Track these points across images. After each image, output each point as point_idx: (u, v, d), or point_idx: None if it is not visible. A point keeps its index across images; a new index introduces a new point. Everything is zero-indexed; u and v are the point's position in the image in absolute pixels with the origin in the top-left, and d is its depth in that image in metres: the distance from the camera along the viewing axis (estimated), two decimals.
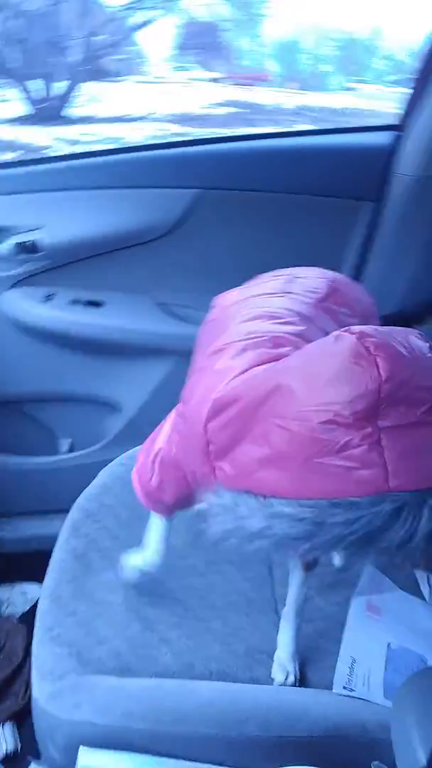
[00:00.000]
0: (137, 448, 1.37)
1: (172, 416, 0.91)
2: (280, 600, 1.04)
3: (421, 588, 1.10)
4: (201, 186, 1.38)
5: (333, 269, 0.98)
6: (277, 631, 0.96)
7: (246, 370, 0.70)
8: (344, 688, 0.90)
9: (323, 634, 0.99)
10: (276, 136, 1.40)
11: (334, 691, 0.88)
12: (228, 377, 0.70)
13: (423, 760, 0.52)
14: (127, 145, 1.49)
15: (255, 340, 0.75)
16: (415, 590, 1.09)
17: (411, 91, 1.25)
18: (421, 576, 1.12)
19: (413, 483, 0.57)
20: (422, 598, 1.07)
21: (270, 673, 0.91)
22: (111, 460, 1.33)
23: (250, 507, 0.62)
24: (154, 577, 1.02)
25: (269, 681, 0.89)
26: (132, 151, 1.46)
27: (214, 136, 1.44)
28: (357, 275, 1.41)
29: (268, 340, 0.75)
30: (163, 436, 0.91)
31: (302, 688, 0.88)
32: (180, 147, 1.43)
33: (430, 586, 1.12)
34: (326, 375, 0.60)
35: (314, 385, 0.61)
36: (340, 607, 1.04)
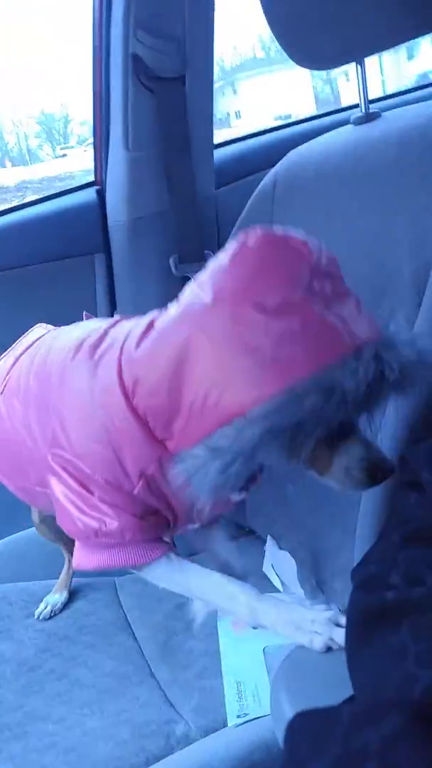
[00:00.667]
0: None
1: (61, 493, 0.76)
2: (152, 660, 1.00)
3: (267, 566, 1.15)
4: None
5: None
6: (160, 694, 0.93)
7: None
8: (238, 716, 0.89)
9: (203, 675, 0.97)
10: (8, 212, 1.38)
11: (229, 725, 0.87)
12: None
13: (289, 714, 0.54)
14: None
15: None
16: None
17: (95, 150, 1.38)
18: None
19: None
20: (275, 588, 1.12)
21: (165, 742, 0.86)
22: None
23: (224, 434, 0.59)
24: (10, 706, 0.91)
25: (165, 752, 0.84)
26: None
27: None
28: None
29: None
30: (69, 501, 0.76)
31: (198, 742, 0.85)
32: None
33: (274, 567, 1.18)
34: None
35: None
36: (210, 640, 1.04)
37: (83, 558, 0.78)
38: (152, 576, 0.79)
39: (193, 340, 0.60)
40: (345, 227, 1.01)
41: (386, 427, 0.93)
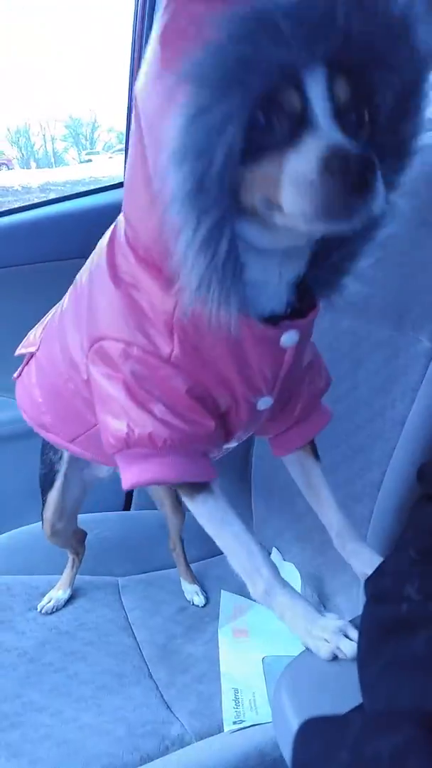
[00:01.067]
0: None
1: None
2: (151, 661, 1.00)
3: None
4: None
5: None
6: (157, 695, 0.92)
7: None
8: (234, 723, 0.89)
9: (201, 679, 0.97)
10: (15, 212, 1.40)
11: (225, 730, 0.87)
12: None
13: (292, 720, 0.52)
14: None
15: None
16: None
17: (126, 153, 1.39)
18: None
19: None
20: None
21: (160, 742, 0.86)
22: None
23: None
24: (8, 695, 0.91)
25: (159, 752, 0.84)
26: None
27: None
28: None
29: None
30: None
31: (193, 745, 0.85)
32: None
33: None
34: None
35: None
36: (210, 645, 1.05)
37: (133, 471, 0.72)
38: (195, 510, 0.74)
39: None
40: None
41: (409, 435, 0.94)
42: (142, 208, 0.60)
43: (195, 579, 1.21)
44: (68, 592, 1.14)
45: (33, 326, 0.96)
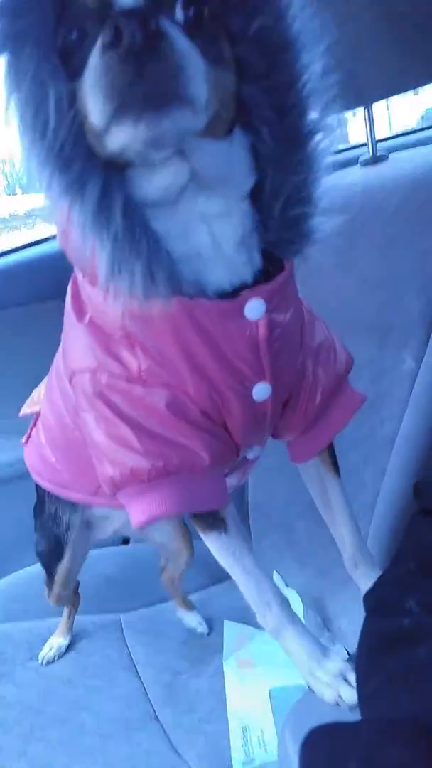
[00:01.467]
0: None
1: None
2: (156, 703, 0.99)
3: None
4: None
5: None
6: (164, 740, 0.91)
7: None
8: (244, 764, 0.87)
9: (208, 718, 0.96)
10: (14, 251, 1.39)
11: None
12: None
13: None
14: None
15: None
16: None
17: None
18: None
19: None
20: None
21: None
22: None
23: None
24: (13, 753, 0.90)
25: None
26: None
27: None
28: None
29: None
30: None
31: None
32: None
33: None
34: None
35: None
36: (216, 679, 1.03)
37: (133, 511, 0.67)
38: (209, 544, 0.72)
39: None
40: (352, 265, 1.01)
41: (399, 454, 0.93)
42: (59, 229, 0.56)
43: (193, 606, 1.19)
44: (69, 638, 1.12)
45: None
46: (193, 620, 1.16)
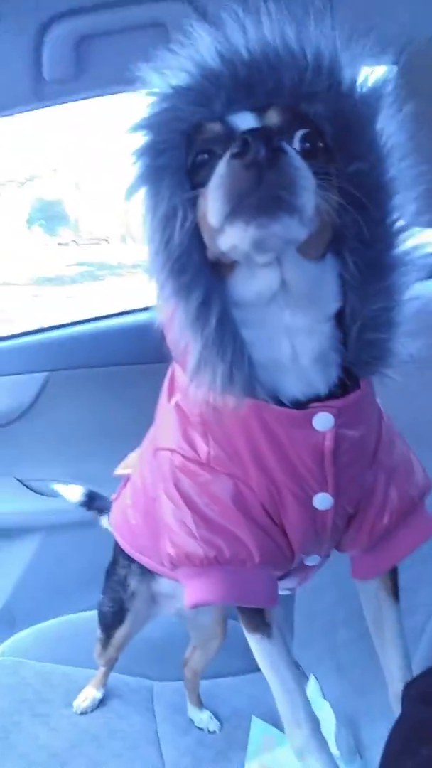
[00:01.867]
0: (11, 639, 1.32)
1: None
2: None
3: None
4: (48, 369, 1.48)
5: None
6: None
7: None
8: None
9: None
10: (113, 316, 1.56)
11: None
12: None
13: None
14: None
15: None
16: None
17: None
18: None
19: None
20: None
21: None
22: None
23: None
24: None
25: None
26: None
27: (57, 323, 1.56)
28: None
29: None
30: None
31: None
32: (23, 337, 1.54)
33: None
34: None
35: None
36: None
37: (186, 591, 0.71)
38: (251, 644, 0.73)
39: None
40: None
41: None
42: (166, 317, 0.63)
43: (203, 704, 1.19)
44: (102, 692, 1.16)
45: (121, 426, 1.01)
46: (203, 719, 1.16)
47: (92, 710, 1.14)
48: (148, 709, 1.18)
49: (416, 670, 0.93)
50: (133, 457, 0.97)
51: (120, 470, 0.99)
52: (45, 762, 1.01)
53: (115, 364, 1.51)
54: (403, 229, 0.60)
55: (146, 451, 0.85)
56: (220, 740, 1.11)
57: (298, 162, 0.52)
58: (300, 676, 0.75)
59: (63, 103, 1.11)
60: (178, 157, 0.57)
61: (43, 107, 1.09)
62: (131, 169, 0.58)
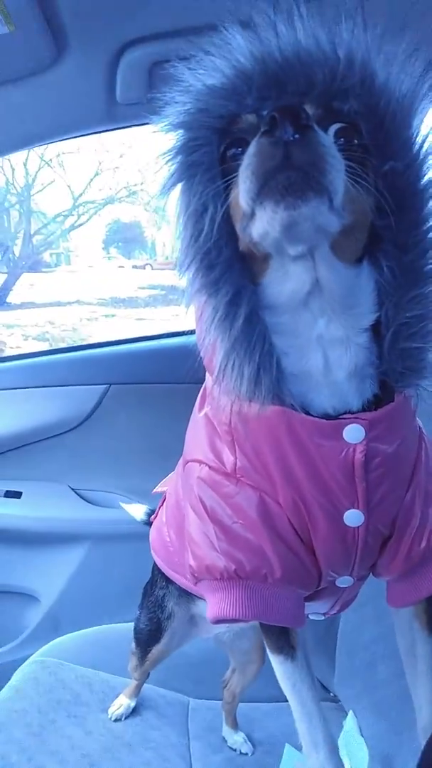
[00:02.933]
0: (54, 642, 1.35)
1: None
2: None
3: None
4: (108, 382, 1.54)
5: None
6: None
7: None
8: None
9: None
10: (171, 336, 1.60)
11: None
12: None
13: None
14: (43, 350, 1.65)
15: None
16: None
17: None
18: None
19: None
20: None
21: None
22: (28, 657, 1.29)
23: None
24: None
25: None
26: (47, 354, 1.63)
27: (117, 339, 1.62)
28: None
29: None
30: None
31: None
32: (87, 349, 1.61)
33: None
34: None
35: None
36: None
37: (208, 606, 0.70)
38: (274, 665, 0.73)
39: None
40: None
41: None
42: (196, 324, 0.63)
43: (238, 726, 1.17)
44: (135, 701, 1.17)
45: (173, 444, 0.96)
46: (237, 740, 1.15)
47: (125, 717, 1.15)
48: (182, 723, 1.17)
49: None
50: (172, 475, 0.96)
51: (159, 488, 0.99)
52: (76, 761, 1.02)
53: (172, 382, 1.55)
54: None
55: (179, 466, 0.85)
56: (251, 763, 1.09)
57: (326, 141, 0.51)
58: (317, 697, 0.72)
59: (135, 125, 1.18)
60: (211, 153, 0.58)
61: (115, 129, 1.15)
62: (166, 167, 0.59)
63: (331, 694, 1.29)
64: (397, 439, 0.64)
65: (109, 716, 1.14)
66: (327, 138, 0.52)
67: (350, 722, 1.13)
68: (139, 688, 1.17)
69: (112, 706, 1.16)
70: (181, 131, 0.58)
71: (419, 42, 0.55)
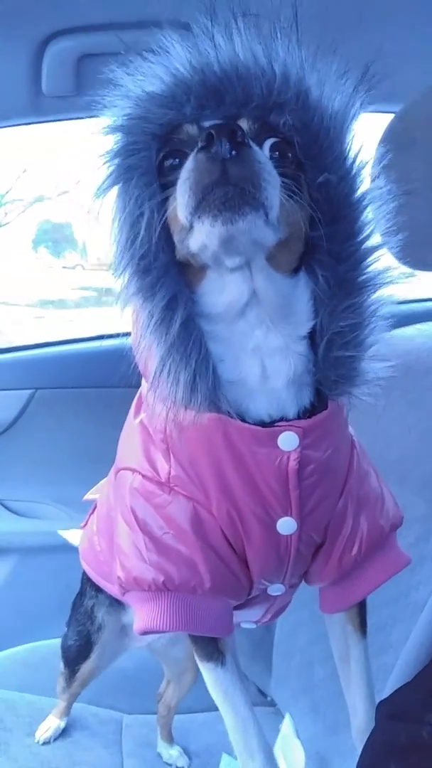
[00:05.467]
0: None
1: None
2: None
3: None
4: (34, 386, 1.47)
5: None
6: None
7: None
8: None
9: None
10: (100, 338, 1.56)
11: None
12: None
13: None
14: None
15: None
16: None
17: None
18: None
19: None
20: None
21: None
22: None
23: None
24: None
25: None
26: None
27: (44, 341, 1.56)
28: None
29: None
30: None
31: None
32: (12, 352, 1.53)
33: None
34: None
35: None
36: None
37: (135, 618, 0.69)
38: (203, 673, 0.72)
39: None
40: (417, 421, 1.03)
41: (419, 627, 0.89)
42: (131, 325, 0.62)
43: (173, 740, 1.14)
44: (65, 721, 1.11)
45: (104, 450, 0.98)
46: (172, 755, 1.12)
47: (55, 740, 1.09)
48: (116, 742, 1.13)
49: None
50: (104, 482, 0.94)
51: (90, 495, 0.96)
52: None
53: (104, 386, 1.50)
54: (374, 249, 0.60)
55: (111, 473, 0.83)
56: None
57: (262, 157, 0.52)
58: (249, 702, 0.71)
59: (62, 120, 1.13)
60: (149, 158, 0.57)
61: (41, 121, 1.11)
62: (102, 170, 0.58)
63: (268, 698, 1.28)
64: (330, 446, 0.65)
65: (37, 740, 1.08)
66: (262, 154, 0.53)
67: (287, 725, 1.13)
68: (69, 707, 1.12)
69: (40, 729, 1.10)
70: (119, 134, 0.57)
71: (349, 62, 0.57)
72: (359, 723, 0.75)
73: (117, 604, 0.92)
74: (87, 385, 1.50)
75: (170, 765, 1.10)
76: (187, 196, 0.52)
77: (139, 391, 0.74)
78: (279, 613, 0.84)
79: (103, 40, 1.00)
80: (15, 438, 1.50)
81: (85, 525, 0.95)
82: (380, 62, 0.57)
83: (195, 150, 0.52)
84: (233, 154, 0.50)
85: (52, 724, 1.11)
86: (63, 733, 1.11)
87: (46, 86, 1.00)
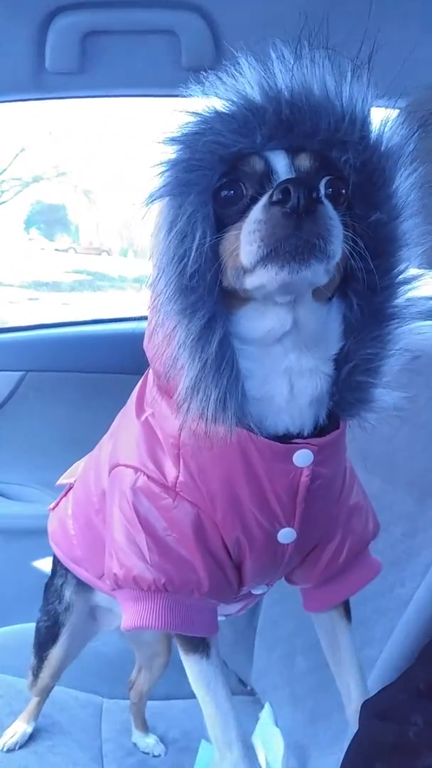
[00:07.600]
0: None
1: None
2: None
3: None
4: (25, 368, 1.45)
5: None
6: None
7: None
8: None
9: None
10: (94, 323, 1.54)
11: None
12: None
13: None
14: None
15: None
16: None
17: None
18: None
19: None
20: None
21: None
22: None
23: None
24: None
25: None
26: None
27: (38, 323, 1.54)
28: None
29: None
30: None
31: None
32: (4, 333, 1.52)
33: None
34: None
35: None
36: None
37: (126, 613, 0.71)
38: (186, 665, 0.73)
39: None
40: (407, 418, 1.03)
41: (409, 620, 0.90)
42: (149, 334, 0.63)
43: (148, 729, 1.13)
44: (33, 725, 1.06)
45: (91, 435, 0.95)
46: (149, 743, 1.11)
47: (20, 747, 1.03)
48: (95, 726, 1.13)
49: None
50: (77, 466, 0.95)
51: (63, 480, 0.96)
52: None
53: (94, 371, 1.49)
54: (407, 281, 0.62)
55: (95, 461, 0.84)
56: (166, 763, 1.07)
57: (332, 212, 0.54)
58: (229, 694, 0.73)
59: (65, 97, 1.11)
60: (210, 177, 0.57)
61: (43, 98, 1.08)
62: (155, 178, 0.57)
63: (248, 688, 1.29)
64: (335, 463, 0.68)
65: (1, 748, 1.01)
66: (332, 210, 0.54)
67: (266, 714, 1.13)
68: (38, 709, 1.06)
69: (5, 735, 1.03)
70: (180, 146, 0.57)
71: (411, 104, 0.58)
72: (355, 707, 0.76)
73: (85, 585, 0.93)
74: (79, 370, 1.49)
75: (147, 753, 1.10)
76: (256, 246, 0.53)
77: (138, 388, 0.75)
78: (249, 605, 0.88)
79: (109, 17, 0.98)
80: (3, 420, 1.48)
81: (55, 507, 0.95)
82: None
83: (266, 200, 0.53)
84: (307, 209, 0.51)
85: (18, 729, 1.04)
86: (43, 716, 1.08)
87: (50, 62, 0.98)
